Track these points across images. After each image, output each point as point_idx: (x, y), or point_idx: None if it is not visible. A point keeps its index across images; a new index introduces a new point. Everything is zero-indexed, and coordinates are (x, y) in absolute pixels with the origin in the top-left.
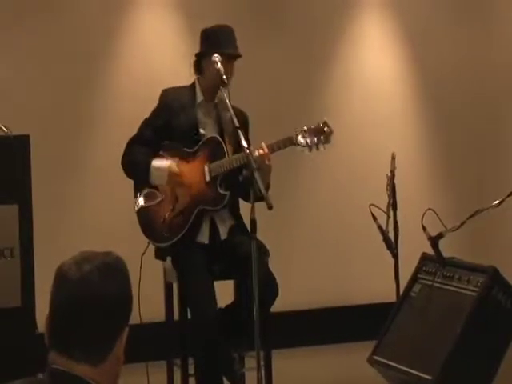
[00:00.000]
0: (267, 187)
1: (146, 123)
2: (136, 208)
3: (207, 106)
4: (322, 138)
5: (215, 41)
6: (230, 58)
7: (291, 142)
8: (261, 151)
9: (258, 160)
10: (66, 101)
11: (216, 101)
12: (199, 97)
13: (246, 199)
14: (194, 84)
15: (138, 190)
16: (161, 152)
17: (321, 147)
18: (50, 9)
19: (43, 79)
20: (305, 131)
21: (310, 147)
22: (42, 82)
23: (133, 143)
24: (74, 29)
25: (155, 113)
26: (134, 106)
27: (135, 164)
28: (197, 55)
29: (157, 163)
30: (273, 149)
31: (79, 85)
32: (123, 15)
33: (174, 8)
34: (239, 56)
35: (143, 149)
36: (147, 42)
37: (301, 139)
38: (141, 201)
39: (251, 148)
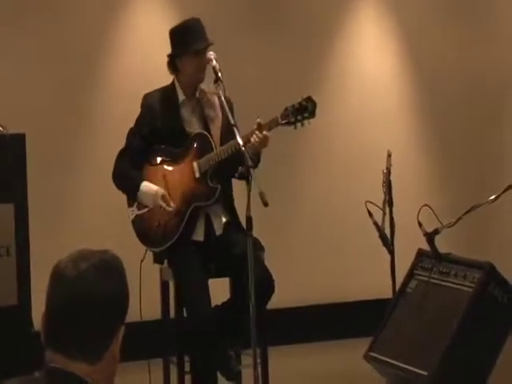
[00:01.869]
0: (259, 157)
1: (133, 133)
2: (131, 218)
3: (190, 103)
4: (305, 114)
5: (184, 39)
6: (202, 51)
7: (277, 122)
8: (258, 135)
9: (256, 143)
10: (62, 99)
11: (198, 95)
12: (181, 95)
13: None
14: (173, 83)
15: (131, 199)
16: (151, 157)
17: (306, 122)
18: (47, 8)
19: (40, 78)
20: (288, 110)
21: (294, 125)
22: (38, 80)
23: (122, 156)
24: (71, 27)
25: (139, 120)
26: (131, 104)
27: (125, 183)
28: (169, 56)
29: (144, 189)
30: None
31: (76, 83)
32: (120, 12)
33: (170, 5)
34: (210, 45)
35: (132, 164)
36: (144, 39)
37: (285, 118)
38: (135, 210)
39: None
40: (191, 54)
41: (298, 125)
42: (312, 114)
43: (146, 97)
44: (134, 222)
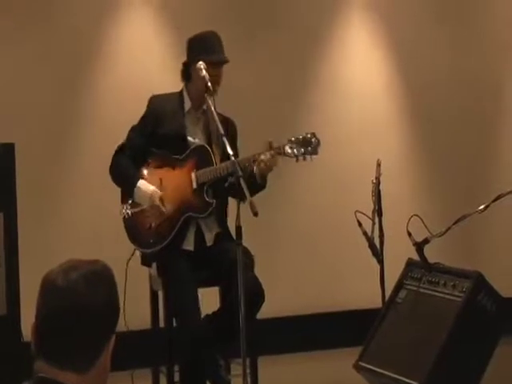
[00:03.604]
0: (265, 181)
1: (134, 130)
2: (123, 214)
3: (196, 113)
4: (309, 148)
5: (200, 49)
6: (216, 64)
7: (279, 152)
8: (272, 152)
9: (268, 161)
10: (52, 105)
11: (205, 107)
12: (187, 104)
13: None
14: (182, 91)
15: (125, 196)
16: (149, 160)
17: (308, 158)
18: (36, 13)
19: (29, 85)
20: (292, 141)
21: (297, 157)
22: (28, 87)
23: (121, 151)
24: (62, 35)
25: (143, 120)
26: (120, 111)
27: (122, 178)
28: (184, 64)
29: (142, 186)
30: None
31: (65, 90)
32: (111, 19)
33: (161, 10)
34: (225, 62)
35: (131, 160)
36: (134, 45)
37: (288, 149)
38: (128, 207)
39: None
40: (207, 62)
41: (300, 158)
42: (314, 151)
43: (153, 99)
44: (125, 219)
